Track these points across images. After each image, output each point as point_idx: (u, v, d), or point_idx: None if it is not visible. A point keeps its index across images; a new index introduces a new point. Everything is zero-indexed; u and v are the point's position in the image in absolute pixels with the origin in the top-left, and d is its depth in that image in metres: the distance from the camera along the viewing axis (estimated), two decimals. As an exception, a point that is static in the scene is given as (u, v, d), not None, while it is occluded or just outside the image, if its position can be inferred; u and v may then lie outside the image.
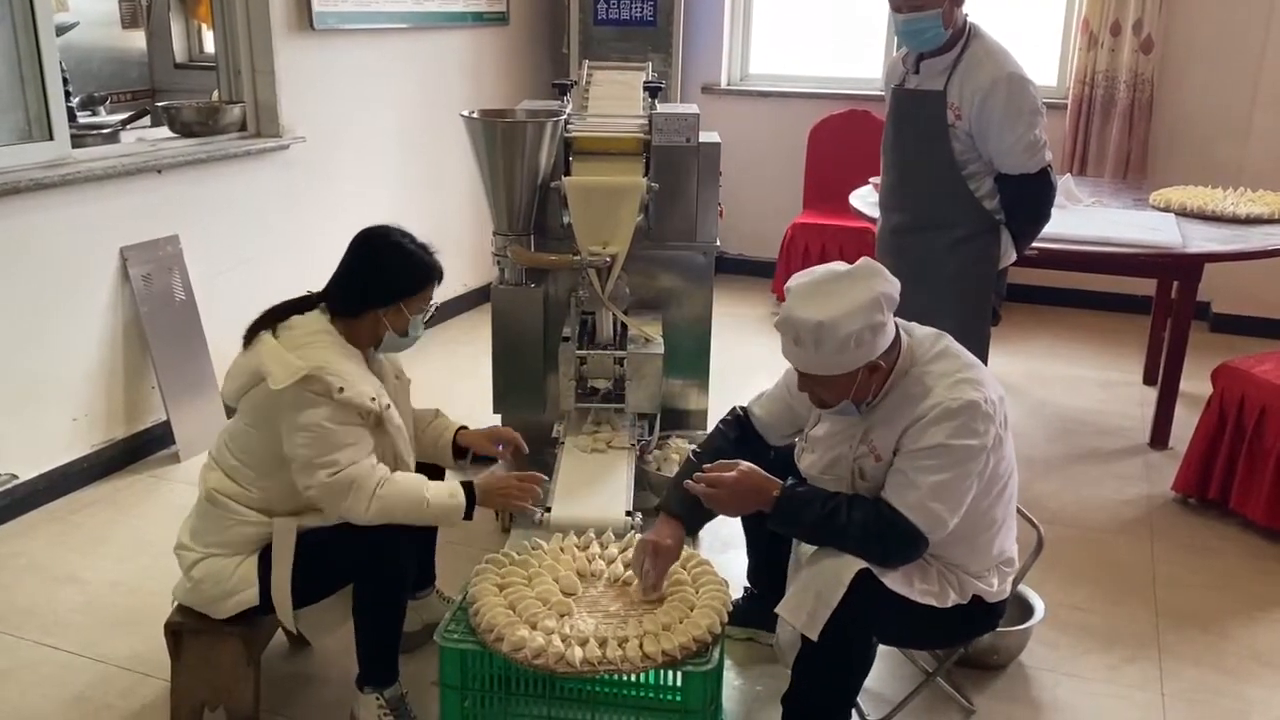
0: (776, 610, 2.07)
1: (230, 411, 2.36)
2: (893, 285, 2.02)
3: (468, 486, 2.27)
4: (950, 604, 2.09)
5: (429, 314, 2.33)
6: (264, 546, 2.22)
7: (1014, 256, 3.19)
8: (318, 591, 2.25)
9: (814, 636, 1.97)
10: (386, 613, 2.26)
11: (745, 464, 2.12)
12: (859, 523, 2.00)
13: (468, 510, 2.25)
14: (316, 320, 2.23)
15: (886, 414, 2.07)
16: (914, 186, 3.17)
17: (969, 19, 3.00)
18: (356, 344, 2.25)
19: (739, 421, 2.40)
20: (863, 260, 2.06)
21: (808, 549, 2.20)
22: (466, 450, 2.52)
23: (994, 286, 3.20)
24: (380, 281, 2.26)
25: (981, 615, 2.20)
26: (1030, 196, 3.04)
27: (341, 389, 2.11)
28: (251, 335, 2.25)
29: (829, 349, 1.95)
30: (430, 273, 2.30)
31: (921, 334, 2.13)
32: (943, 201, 3.09)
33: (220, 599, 2.20)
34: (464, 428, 2.54)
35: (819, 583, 1.99)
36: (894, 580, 2.02)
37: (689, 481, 2.15)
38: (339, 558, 2.21)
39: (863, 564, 1.99)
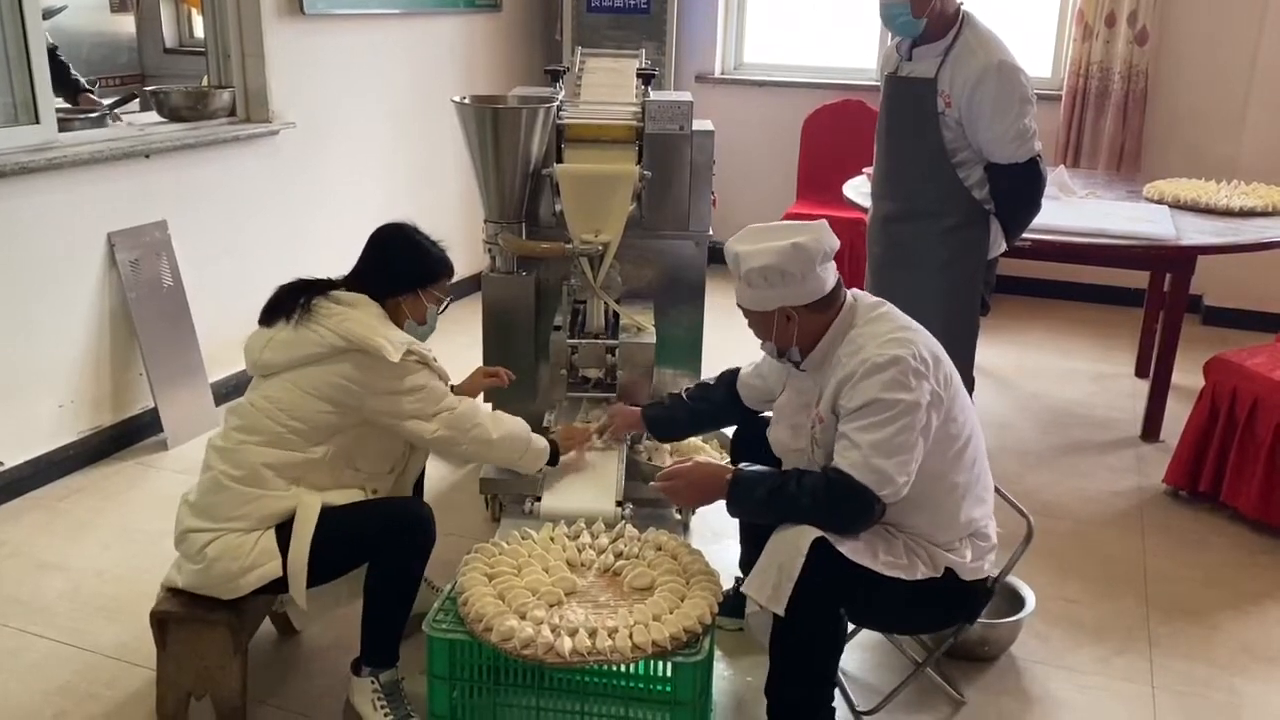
0: (742, 589, 2.08)
1: (230, 386, 2.38)
2: (819, 243, 2.09)
3: (554, 444, 2.60)
4: (920, 576, 2.08)
5: (444, 306, 2.46)
6: (280, 523, 2.21)
7: (1004, 246, 3.19)
8: (335, 567, 2.25)
9: (780, 611, 1.97)
10: (401, 588, 2.25)
11: (700, 457, 2.25)
12: (809, 490, 2.02)
13: (553, 456, 2.57)
14: (372, 303, 2.31)
15: (827, 377, 2.13)
16: (904, 174, 3.16)
17: (962, 7, 2.99)
18: None
19: (725, 375, 2.58)
20: (819, 223, 2.15)
21: None
22: None
23: (983, 276, 3.19)
24: (400, 270, 2.37)
25: (958, 594, 2.18)
26: (1020, 186, 3.03)
27: (435, 359, 2.34)
28: (287, 306, 2.26)
29: (742, 280, 2.15)
30: (444, 265, 2.43)
31: (866, 300, 2.20)
32: (932, 190, 3.08)
33: (238, 575, 2.18)
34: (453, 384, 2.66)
35: (780, 556, 2.00)
36: (856, 551, 2.01)
37: (653, 483, 2.30)
38: (363, 532, 2.22)
39: (819, 533, 1.99)
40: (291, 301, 2.27)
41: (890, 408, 1.98)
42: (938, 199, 3.08)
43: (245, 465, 2.20)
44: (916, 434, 2.00)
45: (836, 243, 2.13)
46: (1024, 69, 2.94)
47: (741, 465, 2.18)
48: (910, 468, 2.00)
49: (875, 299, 2.20)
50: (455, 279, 2.47)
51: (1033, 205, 3.11)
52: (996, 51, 2.92)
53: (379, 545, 2.22)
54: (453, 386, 2.63)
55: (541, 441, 2.54)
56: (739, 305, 2.21)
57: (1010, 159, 2.97)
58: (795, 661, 2.05)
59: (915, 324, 2.15)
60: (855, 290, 2.21)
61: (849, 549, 2.00)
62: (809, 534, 1.99)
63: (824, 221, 2.15)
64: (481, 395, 2.80)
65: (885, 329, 2.09)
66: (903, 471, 1.99)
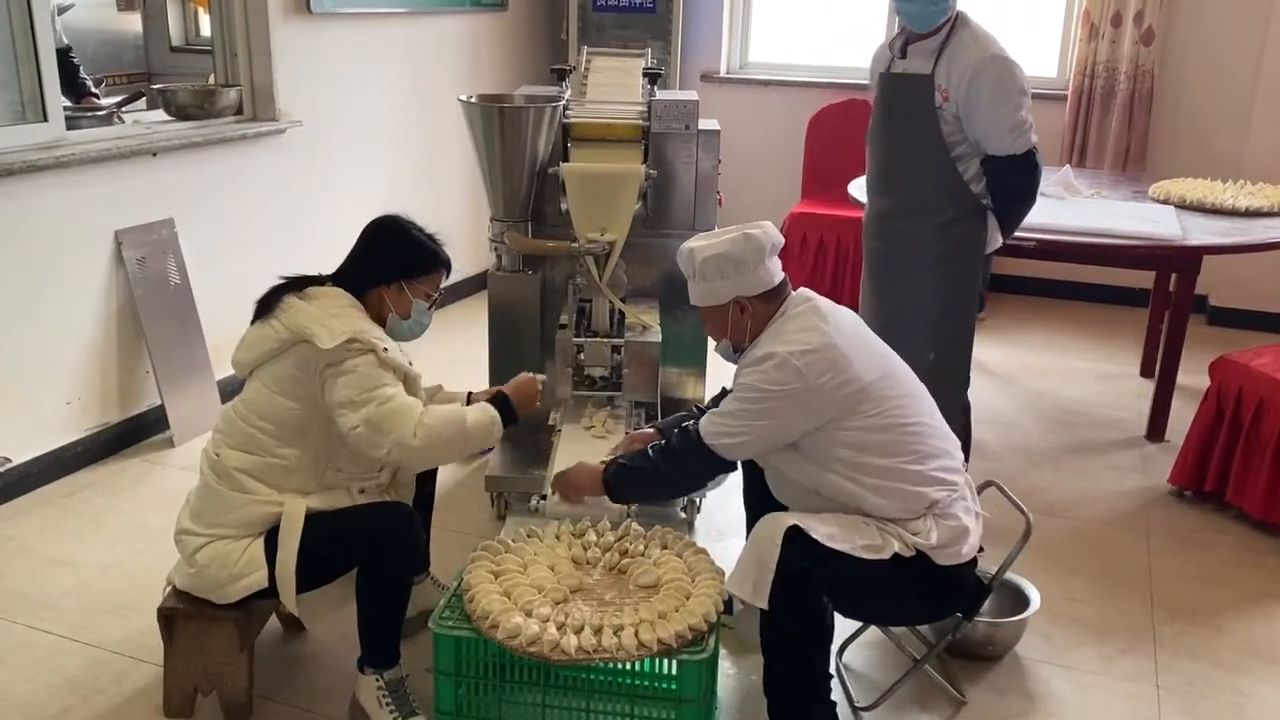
0: (725, 587, 2.11)
1: (236, 385, 2.36)
2: (768, 236, 2.21)
3: (500, 399, 2.39)
4: (896, 550, 2.07)
5: (433, 301, 2.38)
6: (271, 529, 2.21)
7: (1000, 241, 3.20)
8: (323, 574, 2.25)
9: (764, 605, 1.99)
10: (391, 592, 2.26)
11: (580, 462, 2.37)
12: (661, 450, 2.22)
13: (506, 419, 2.35)
14: (341, 293, 2.28)
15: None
16: (902, 170, 3.19)
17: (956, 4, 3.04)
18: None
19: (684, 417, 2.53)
20: (763, 221, 2.27)
21: None
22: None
23: (980, 272, 3.20)
24: (383, 259, 2.32)
25: (940, 581, 2.16)
26: (1017, 178, 3.05)
27: (385, 349, 2.22)
28: (268, 304, 2.26)
29: (696, 275, 2.23)
30: (433, 258, 2.36)
31: (796, 297, 2.28)
32: (930, 185, 3.11)
33: (227, 583, 2.19)
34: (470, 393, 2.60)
35: (757, 550, 2.03)
36: (832, 538, 2.03)
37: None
38: (348, 538, 2.21)
39: (792, 520, 2.03)
40: (272, 299, 2.27)
41: (751, 391, 2.12)
42: (935, 194, 3.10)
43: (224, 472, 2.22)
44: (770, 420, 2.12)
45: (782, 239, 2.25)
46: (1019, 63, 2.97)
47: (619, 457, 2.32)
48: (745, 440, 2.15)
49: (806, 295, 2.27)
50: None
51: (1029, 198, 3.13)
52: (992, 46, 2.97)
53: (361, 553, 2.22)
54: (469, 394, 2.58)
55: (482, 419, 2.28)
56: (694, 304, 2.29)
57: (1008, 150, 2.99)
58: (785, 654, 2.07)
59: (819, 326, 2.15)
60: (803, 289, 2.29)
61: (824, 536, 2.02)
62: (782, 524, 2.02)
63: (768, 221, 2.26)
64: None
65: (790, 328, 2.18)
66: (739, 439, 2.15)
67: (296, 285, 2.29)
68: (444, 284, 2.44)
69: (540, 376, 2.51)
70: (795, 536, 2.01)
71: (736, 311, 2.22)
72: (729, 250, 2.18)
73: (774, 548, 2.00)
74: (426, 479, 2.55)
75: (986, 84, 2.92)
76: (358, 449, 2.20)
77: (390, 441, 2.16)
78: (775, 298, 2.23)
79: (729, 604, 2.17)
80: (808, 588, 2.01)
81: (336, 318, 2.20)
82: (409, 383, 2.33)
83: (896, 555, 2.08)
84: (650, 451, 2.25)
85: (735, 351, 2.28)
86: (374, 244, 2.35)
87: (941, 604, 2.27)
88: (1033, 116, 2.99)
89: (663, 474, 2.23)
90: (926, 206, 3.11)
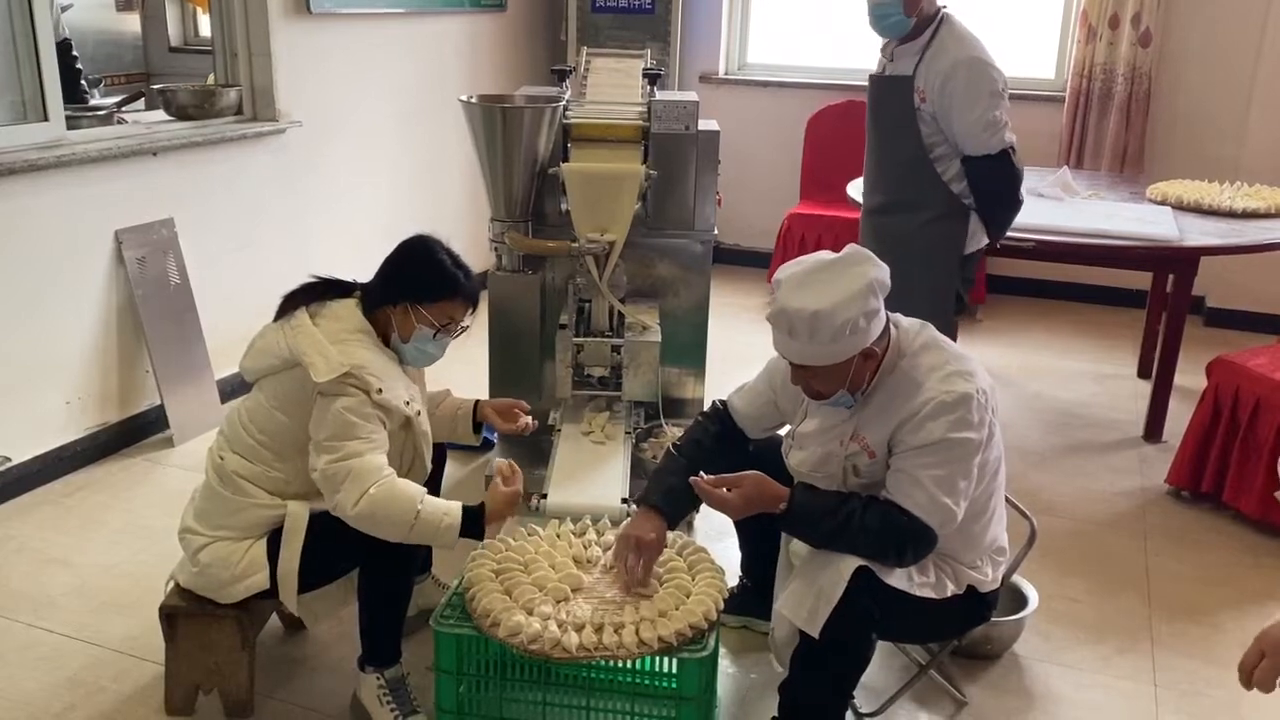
0: (777, 607, 2.06)
1: (236, 384, 2.35)
2: (883, 270, 2.01)
3: (473, 509, 2.18)
4: (948, 595, 2.10)
5: (442, 331, 2.27)
6: (273, 530, 2.21)
7: (984, 241, 3.23)
8: (325, 574, 2.25)
9: (815, 634, 1.96)
10: (393, 592, 2.26)
11: (753, 475, 2.07)
12: (874, 530, 1.98)
13: (467, 529, 2.16)
14: (354, 316, 2.23)
15: (877, 410, 2.07)
16: (887, 169, 3.27)
17: (944, 9, 3.08)
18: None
19: (718, 415, 2.38)
20: (850, 247, 2.05)
21: (799, 546, 2.20)
22: (481, 424, 2.54)
23: (960, 272, 3.22)
24: (397, 277, 2.26)
25: (976, 606, 2.20)
26: (993, 177, 3.09)
27: (380, 390, 2.13)
28: (287, 308, 2.24)
29: (824, 338, 1.94)
30: (449, 285, 2.26)
31: (906, 324, 2.13)
32: (912, 183, 3.18)
33: (229, 584, 2.20)
34: (479, 401, 2.56)
35: (821, 580, 1.98)
36: (896, 578, 2.01)
37: (695, 480, 2.09)
38: (350, 539, 2.19)
39: (861, 562, 1.98)
40: (295, 302, 2.25)
41: (956, 447, 1.98)
42: (918, 192, 3.17)
43: (227, 476, 2.22)
44: (974, 470, 2.01)
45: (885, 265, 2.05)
46: (997, 66, 3.04)
47: (799, 483, 2.12)
48: (966, 500, 2.01)
49: (913, 321, 2.13)
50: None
51: (1010, 197, 3.16)
52: (969, 48, 3.03)
53: (363, 554, 2.21)
54: (477, 401, 2.57)
55: (434, 518, 2.12)
56: (802, 365, 2.02)
57: (982, 150, 3.04)
58: (820, 678, 2.04)
59: (961, 350, 2.11)
60: (891, 314, 2.11)
61: (889, 576, 2.00)
62: (852, 561, 1.98)
63: (853, 245, 2.07)
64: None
65: (940, 360, 2.05)
66: (962, 506, 2.00)
67: (321, 290, 2.26)
68: (466, 320, 2.32)
69: (514, 486, 2.25)
70: (862, 576, 1.96)
71: (860, 360, 2.00)
72: (866, 306, 1.94)
73: (840, 582, 1.95)
74: (429, 480, 2.55)
75: (959, 86, 3.00)
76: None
77: (337, 498, 2.09)
78: (887, 329, 2.05)
79: (728, 602, 2.17)
80: (864, 626, 1.99)
81: (339, 344, 2.15)
82: (406, 425, 2.25)
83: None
84: (856, 521, 1.99)
85: (853, 394, 2.06)
86: (395, 259, 2.29)
87: (967, 624, 2.28)
88: (1009, 117, 3.04)
89: (864, 548, 1.99)
90: (910, 204, 3.19)
